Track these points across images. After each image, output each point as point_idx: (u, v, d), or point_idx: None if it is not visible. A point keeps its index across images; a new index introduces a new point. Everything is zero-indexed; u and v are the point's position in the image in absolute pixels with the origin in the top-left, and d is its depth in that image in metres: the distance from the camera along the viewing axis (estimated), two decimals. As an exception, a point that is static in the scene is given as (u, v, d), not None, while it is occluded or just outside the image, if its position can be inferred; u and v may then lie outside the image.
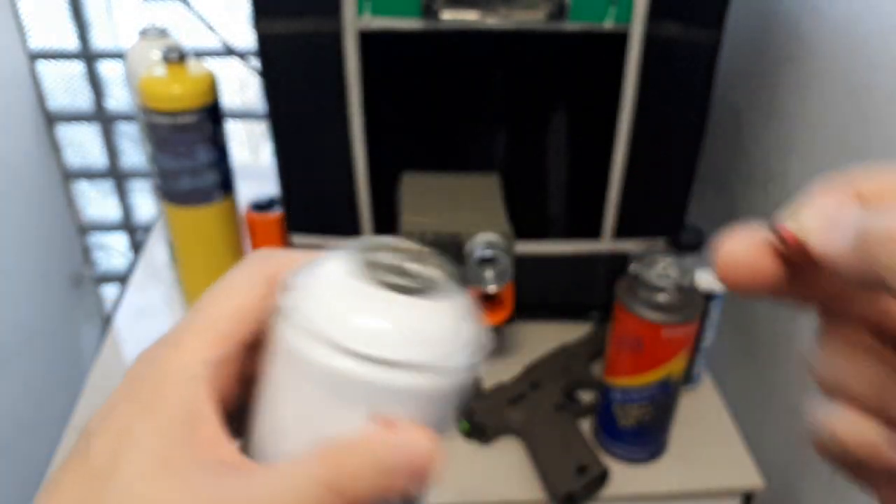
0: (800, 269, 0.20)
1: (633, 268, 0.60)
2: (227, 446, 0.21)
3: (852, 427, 0.20)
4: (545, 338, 0.76)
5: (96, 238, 1.23)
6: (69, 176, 1.16)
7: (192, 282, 0.81)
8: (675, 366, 0.60)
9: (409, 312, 0.20)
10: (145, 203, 1.20)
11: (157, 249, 0.93)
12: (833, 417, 0.21)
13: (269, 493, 0.20)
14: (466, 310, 0.22)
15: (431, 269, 0.21)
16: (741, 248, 0.20)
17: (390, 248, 0.21)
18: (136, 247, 1.22)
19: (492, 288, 0.62)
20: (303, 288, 0.21)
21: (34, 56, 1.06)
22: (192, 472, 0.20)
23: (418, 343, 0.20)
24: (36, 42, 1.06)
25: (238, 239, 0.83)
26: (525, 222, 0.67)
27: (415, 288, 0.20)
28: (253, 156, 1.24)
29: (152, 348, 0.24)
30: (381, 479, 0.21)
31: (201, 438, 0.21)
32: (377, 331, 0.20)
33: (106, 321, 1.26)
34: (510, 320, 0.66)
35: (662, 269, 0.57)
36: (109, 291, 1.28)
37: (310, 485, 0.20)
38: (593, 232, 0.73)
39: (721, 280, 0.21)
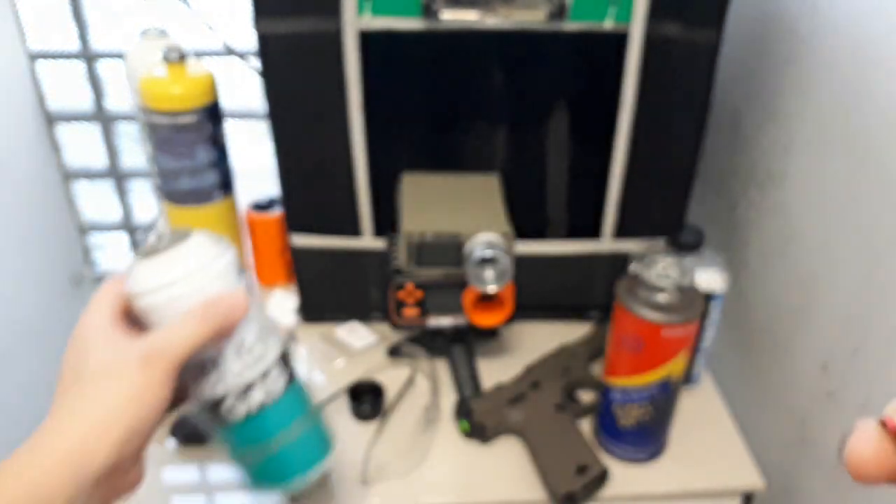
0: None
1: (633, 268, 0.60)
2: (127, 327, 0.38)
3: None
4: (545, 338, 0.76)
5: (96, 238, 1.23)
6: (69, 176, 1.16)
7: (192, 282, 0.81)
8: (675, 366, 0.60)
9: (159, 259, 0.38)
10: (145, 203, 1.20)
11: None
12: None
13: (168, 333, 0.36)
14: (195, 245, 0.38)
15: (176, 237, 0.38)
16: (866, 447, 0.25)
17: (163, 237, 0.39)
18: (136, 247, 1.22)
19: (492, 288, 0.62)
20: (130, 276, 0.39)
21: (34, 56, 1.06)
22: (117, 341, 0.37)
23: (165, 270, 0.37)
24: (36, 42, 1.06)
25: (238, 239, 0.83)
26: (525, 222, 0.67)
27: (161, 248, 0.38)
28: (253, 156, 1.24)
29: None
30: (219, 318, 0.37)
31: (117, 328, 0.38)
32: (147, 275, 0.38)
33: (106, 321, 1.26)
34: (510, 320, 0.66)
35: (662, 269, 0.57)
36: (109, 291, 1.27)
37: (194, 321, 0.37)
38: (593, 232, 0.73)
39: (851, 474, 0.25)
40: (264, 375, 0.39)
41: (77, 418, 0.35)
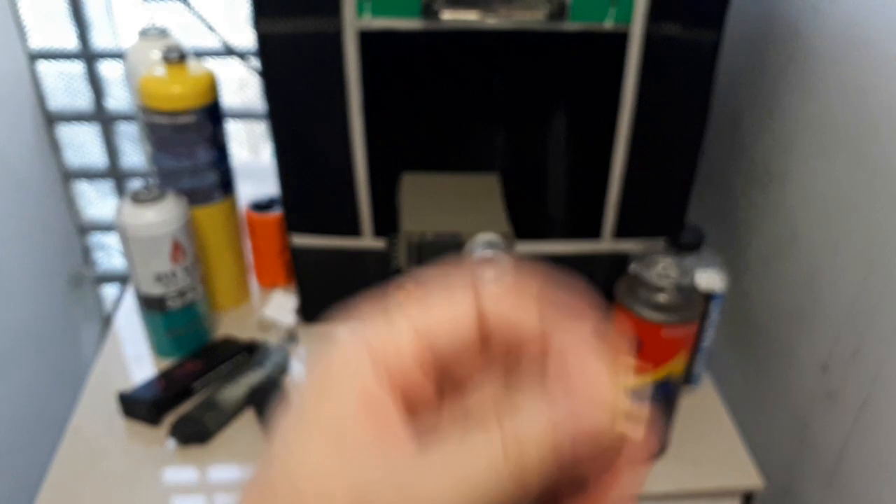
0: None
1: (633, 268, 0.60)
2: (403, 423, 0.21)
3: None
4: (545, 338, 0.76)
5: (96, 238, 1.23)
6: (69, 176, 1.16)
7: (192, 282, 0.81)
8: (675, 366, 0.60)
9: None
10: (145, 203, 1.20)
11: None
12: None
13: (442, 464, 0.19)
14: None
15: None
16: None
17: None
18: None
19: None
20: None
21: (34, 56, 1.06)
22: (361, 445, 0.20)
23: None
24: (36, 42, 1.06)
25: (238, 239, 0.83)
26: (525, 222, 0.67)
27: None
28: (253, 156, 1.24)
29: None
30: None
31: (375, 416, 0.21)
32: None
33: (106, 321, 1.26)
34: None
35: (662, 269, 0.57)
36: (109, 291, 1.28)
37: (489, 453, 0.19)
38: (593, 232, 0.73)
39: None
40: None
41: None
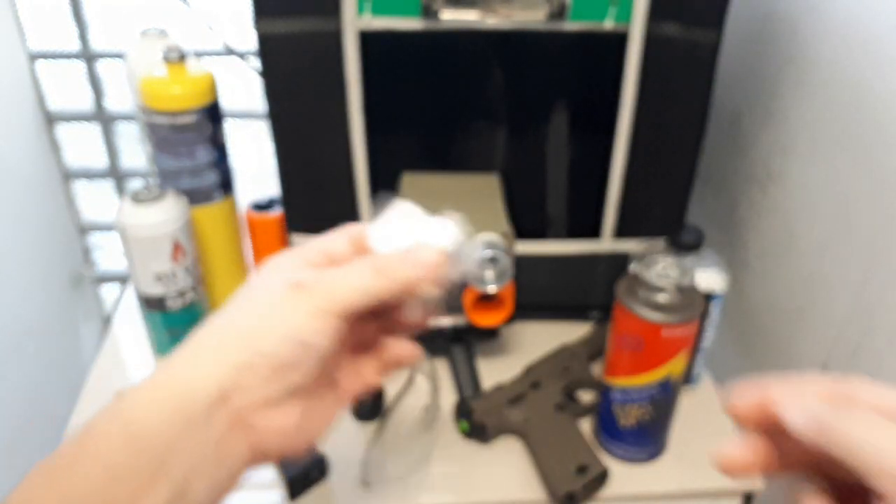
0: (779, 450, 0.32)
1: (633, 268, 0.60)
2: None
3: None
4: (545, 338, 0.76)
5: (96, 238, 1.23)
6: (69, 176, 1.16)
7: (192, 282, 0.81)
8: (675, 366, 0.60)
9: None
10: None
11: (157, 249, 0.93)
12: None
13: (335, 272, 0.36)
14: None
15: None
16: (735, 453, 0.34)
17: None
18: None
19: (492, 288, 0.62)
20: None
21: (34, 56, 1.06)
22: (287, 272, 0.36)
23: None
24: (36, 42, 1.06)
25: (238, 239, 0.83)
26: (525, 222, 0.67)
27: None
28: (253, 156, 1.24)
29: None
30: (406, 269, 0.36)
31: (296, 267, 0.37)
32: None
33: (106, 321, 1.26)
34: (510, 320, 0.66)
35: (662, 269, 0.57)
36: (109, 291, 1.28)
37: (365, 267, 0.35)
38: (593, 232, 0.73)
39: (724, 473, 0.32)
40: None
41: (193, 338, 0.34)
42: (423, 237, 0.38)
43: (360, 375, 0.40)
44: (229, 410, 0.32)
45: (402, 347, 0.40)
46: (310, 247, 0.38)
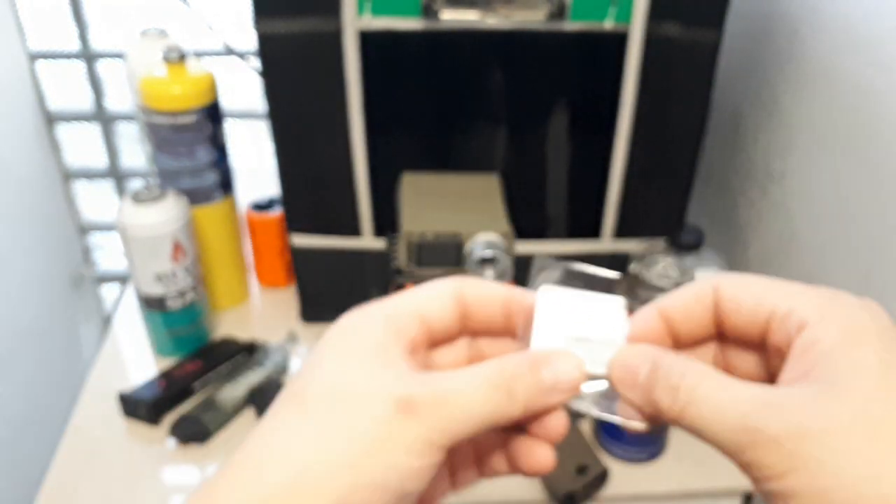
0: None
1: (633, 268, 0.60)
2: (412, 364, 0.27)
3: None
4: (545, 338, 0.76)
5: (96, 238, 1.23)
6: (69, 176, 1.16)
7: (192, 282, 0.81)
8: (675, 366, 0.60)
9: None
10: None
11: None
12: None
13: (446, 384, 0.25)
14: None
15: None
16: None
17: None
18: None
19: (492, 288, 0.61)
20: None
21: (34, 56, 1.06)
22: (379, 367, 0.26)
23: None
24: (36, 42, 1.06)
25: (238, 239, 0.83)
26: (525, 222, 0.67)
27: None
28: (253, 156, 1.24)
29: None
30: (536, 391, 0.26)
31: (389, 355, 0.26)
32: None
33: (106, 321, 1.26)
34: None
35: (662, 270, 0.57)
36: (109, 291, 1.28)
37: (481, 382, 0.25)
38: (593, 232, 0.73)
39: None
40: None
41: (280, 454, 0.24)
42: (593, 332, 0.29)
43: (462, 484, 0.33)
44: None
45: (532, 452, 0.28)
46: (402, 306, 0.28)
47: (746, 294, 0.27)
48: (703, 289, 0.28)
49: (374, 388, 0.25)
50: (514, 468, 0.30)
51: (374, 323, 0.27)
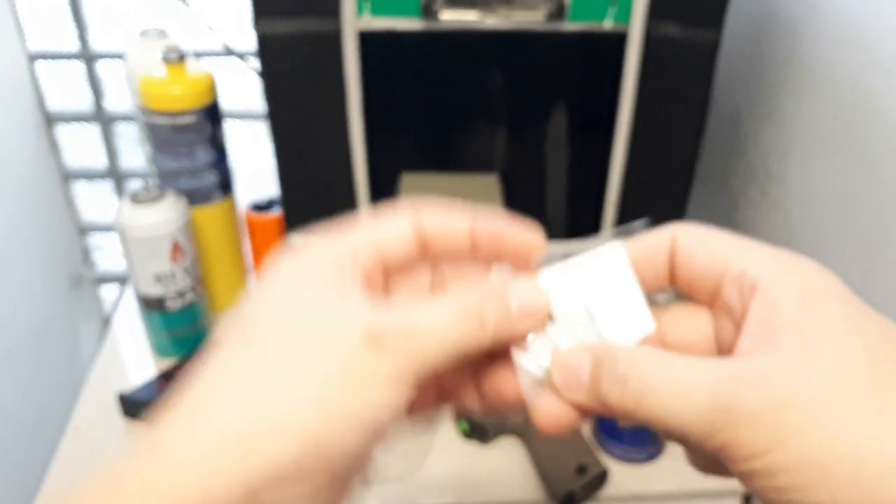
0: None
1: (632, 268, 0.60)
2: (371, 296, 0.26)
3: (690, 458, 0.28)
4: (545, 338, 0.76)
5: (96, 238, 1.23)
6: (68, 176, 1.16)
7: (192, 282, 0.81)
8: (675, 366, 0.60)
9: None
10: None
11: (156, 250, 0.93)
12: None
13: (416, 316, 0.24)
14: None
15: None
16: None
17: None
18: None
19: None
20: None
21: (33, 57, 1.06)
22: (338, 301, 0.24)
23: None
24: (35, 42, 1.06)
25: (238, 239, 0.83)
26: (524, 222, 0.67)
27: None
28: (253, 156, 1.24)
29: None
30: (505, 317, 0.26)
31: (346, 288, 0.25)
32: None
33: (106, 321, 1.26)
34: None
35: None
36: (109, 291, 1.28)
37: (452, 312, 0.25)
38: (593, 232, 0.73)
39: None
40: None
41: (238, 396, 0.22)
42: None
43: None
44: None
45: (500, 381, 0.27)
46: (356, 238, 0.27)
47: (701, 248, 0.26)
48: (662, 238, 0.27)
49: (337, 323, 0.23)
50: (484, 401, 0.28)
51: (325, 257, 0.26)
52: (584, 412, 0.25)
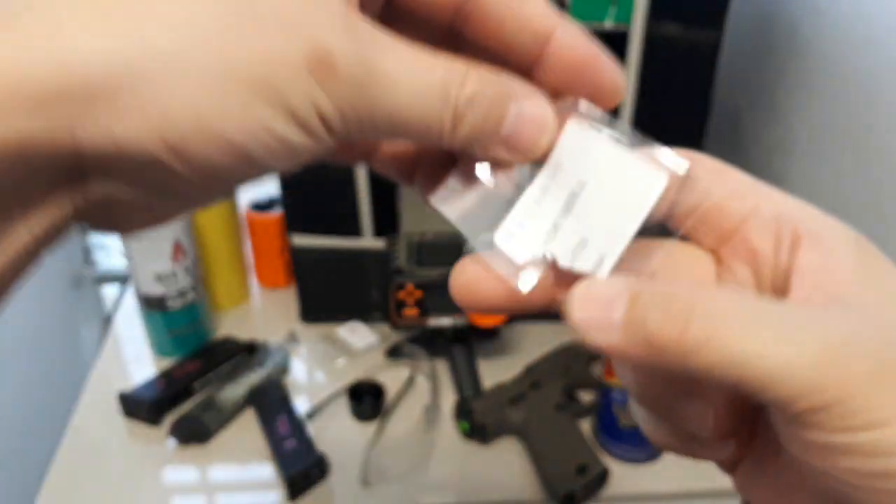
0: None
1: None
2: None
3: (656, 432, 0.23)
4: (545, 338, 0.76)
5: (96, 238, 1.23)
6: (69, 176, 1.16)
7: (192, 282, 0.81)
8: (675, 366, 0.60)
9: None
10: (145, 203, 1.20)
11: (157, 249, 0.93)
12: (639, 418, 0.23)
13: (382, 58, 0.19)
14: None
15: None
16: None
17: None
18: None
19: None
20: None
21: (34, 56, 1.06)
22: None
23: None
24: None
25: (238, 239, 0.83)
26: (525, 222, 0.67)
27: None
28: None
29: None
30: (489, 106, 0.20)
31: None
32: None
33: (106, 321, 1.26)
34: (510, 320, 0.66)
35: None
36: (109, 291, 1.28)
37: (428, 89, 0.19)
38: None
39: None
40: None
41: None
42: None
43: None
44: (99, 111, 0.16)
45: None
46: None
47: (719, 184, 0.22)
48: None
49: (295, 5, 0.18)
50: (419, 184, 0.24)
51: None
52: (615, 354, 0.19)
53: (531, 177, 0.22)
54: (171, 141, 0.17)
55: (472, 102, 0.20)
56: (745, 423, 0.22)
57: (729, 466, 0.23)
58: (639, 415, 0.24)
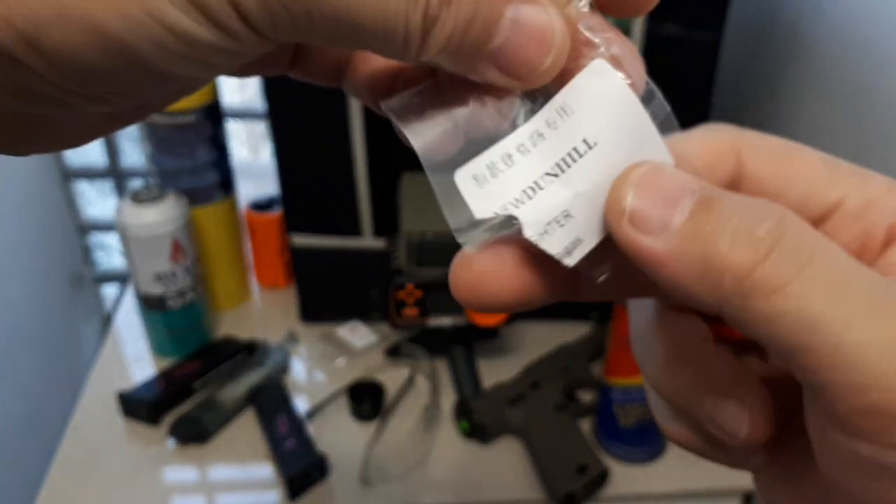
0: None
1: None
2: None
3: (674, 428, 0.20)
4: (545, 338, 0.76)
5: (96, 238, 1.23)
6: (69, 176, 1.16)
7: (192, 282, 0.81)
8: (675, 366, 0.60)
9: None
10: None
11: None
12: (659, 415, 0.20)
13: None
14: None
15: None
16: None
17: None
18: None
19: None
20: None
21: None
22: None
23: None
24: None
25: (238, 238, 0.83)
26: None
27: None
28: (253, 156, 1.24)
29: None
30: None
31: None
32: None
33: (106, 321, 1.26)
34: (510, 320, 0.66)
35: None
36: (109, 291, 1.28)
37: None
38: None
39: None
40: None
41: None
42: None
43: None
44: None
45: None
46: None
47: (778, 171, 0.18)
48: (720, 147, 0.18)
49: None
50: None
51: None
52: (653, 267, 0.15)
53: (524, 114, 0.18)
54: (24, 30, 0.13)
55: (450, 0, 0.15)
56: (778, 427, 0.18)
57: (751, 468, 0.20)
58: (654, 403, 0.20)
